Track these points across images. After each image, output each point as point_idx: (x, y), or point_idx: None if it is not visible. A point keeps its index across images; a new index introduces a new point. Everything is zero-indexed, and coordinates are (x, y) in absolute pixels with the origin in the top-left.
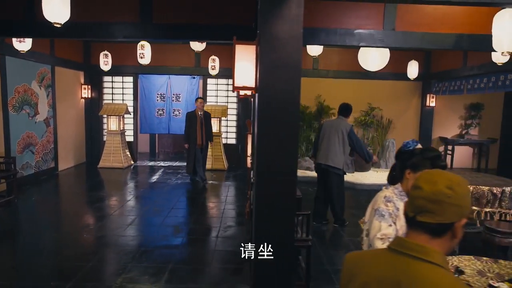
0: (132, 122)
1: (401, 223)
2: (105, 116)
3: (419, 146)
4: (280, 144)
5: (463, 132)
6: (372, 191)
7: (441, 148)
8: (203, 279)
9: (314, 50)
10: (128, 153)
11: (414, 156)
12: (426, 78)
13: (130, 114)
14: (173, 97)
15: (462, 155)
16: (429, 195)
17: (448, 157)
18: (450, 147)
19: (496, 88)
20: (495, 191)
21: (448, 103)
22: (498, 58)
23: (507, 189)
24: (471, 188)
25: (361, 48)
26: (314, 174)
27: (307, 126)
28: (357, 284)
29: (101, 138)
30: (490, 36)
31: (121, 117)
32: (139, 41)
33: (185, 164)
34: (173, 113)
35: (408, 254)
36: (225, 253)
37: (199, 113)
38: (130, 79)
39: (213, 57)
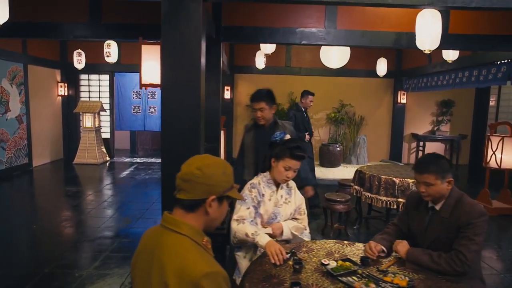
0: (108, 119)
1: (266, 208)
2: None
3: (288, 137)
4: (183, 141)
5: (435, 129)
6: (332, 186)
7: (413, 145)
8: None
9: (268, 48)
10: (103, 149)
11: (278, 146)
12: (398, 75)
13: (106, 111)
14: (148, 94)
15: (433, 151)
16: (183, 175)
17: (420, 153)
18: (422, 144)
19: (454, 85)
20: None
21: (420, 100)
22: (448, 56)
23: None
24: (397, 180)
25: (322, 47)
26: None
27: None
28: (136, 253)
29: (79, 135)
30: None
31: (96, 114)
32: (105, 40)
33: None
34: (149, 110)
35: (166, 227)
36: None
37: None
38: (106, 77)
39: None
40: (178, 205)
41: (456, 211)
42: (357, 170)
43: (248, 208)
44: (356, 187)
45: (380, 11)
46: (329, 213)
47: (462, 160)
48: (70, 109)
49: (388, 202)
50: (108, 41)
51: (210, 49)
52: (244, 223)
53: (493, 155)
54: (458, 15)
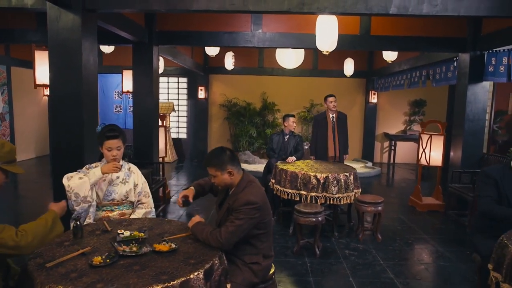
0: None
1: (101, 187)
2: None
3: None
4: (67, 135)
5: (407, 128)
6: None
7: (386, 144)
8: None
9: (212, 50)
10: None
11: (98, 135)
12: (369, 75)
13: None
14: (129, 95)
15: (406, 151)
16: None
17: (392, 153)
18: (393, 143)
19: (405, 86)
20: (319, 177)
21: (392, 99)
22: (388, 56)
23: (331, 175)
24: (300, 174)
25: (278, 49)
26: (251, 167)
27: (248, 122)
28: None
29: None
30: (346, 36)
31: None
32: None
33: None
34: (129, 109)
35: None
36: None
37: (331, 115)
38: None
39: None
40: None
41: (236, 198)
42: (276, 165)
43: (81, 178)
44: (273, 180)
45: (302, 15)
46: None
47: None
48: None
49: (292, 194)
50: None
51: (142, 53)
52: (73, 176)
53: (423, 152)
54: (379, 18)
